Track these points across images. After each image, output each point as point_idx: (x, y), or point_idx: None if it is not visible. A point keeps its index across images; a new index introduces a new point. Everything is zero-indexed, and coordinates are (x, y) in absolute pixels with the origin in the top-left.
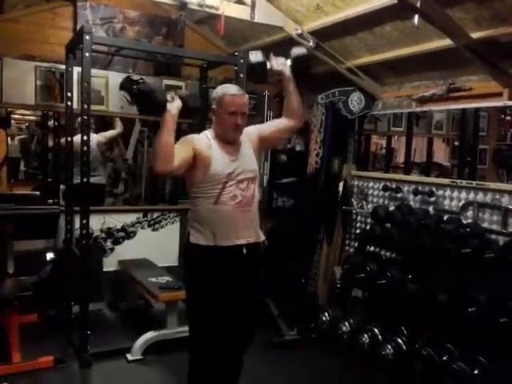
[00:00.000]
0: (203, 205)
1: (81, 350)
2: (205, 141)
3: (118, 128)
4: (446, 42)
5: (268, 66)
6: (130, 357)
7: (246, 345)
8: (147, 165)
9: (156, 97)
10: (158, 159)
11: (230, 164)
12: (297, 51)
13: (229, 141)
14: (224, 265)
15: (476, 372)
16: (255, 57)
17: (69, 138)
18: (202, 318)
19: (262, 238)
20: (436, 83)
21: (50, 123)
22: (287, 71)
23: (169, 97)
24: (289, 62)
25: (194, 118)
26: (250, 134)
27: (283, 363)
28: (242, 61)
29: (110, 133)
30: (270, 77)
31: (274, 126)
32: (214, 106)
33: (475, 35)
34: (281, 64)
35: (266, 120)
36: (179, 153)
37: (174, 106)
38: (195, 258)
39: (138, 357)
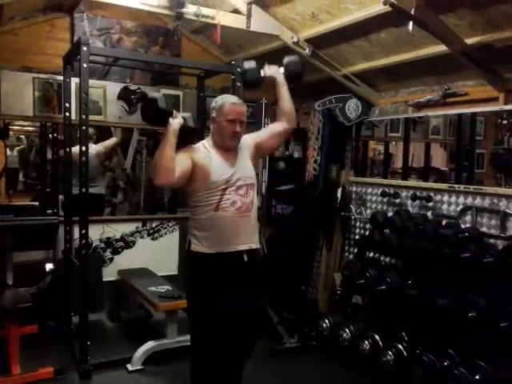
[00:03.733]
0: (204, 213)
1: (81, 361)
2: (203, 151)
3: (118, 136)
4: (441, 47)
5: (262, 73)
6: (130, 367)
7: (247, 353)
8: (146, 175)
9: (162, 106)
10: (159, 172)
11: (229, 170)
12: (289, 57)
13: (227, 148)
14: (225, 272)
15: (477, 377)
16: (249, 64)
17: (67, 149)
18: (203, 326)
19: (259, 245)
20: (432, 88)
21: (49, 134)
22: (280, 77)
23: (174, 114)
24: (282, 69)
25: (192, 139)
26: (247, 142)
27: (284, 371)
28: (238, 69)
29: (109, 141)
30: (264, 83)
31: (268, 132)
32: (213, 115)
33: (470, 41)
34: (274, 71)
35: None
36: (178, 165)
37: (176, 122)
38: (197, 266)
39: (139, 367)
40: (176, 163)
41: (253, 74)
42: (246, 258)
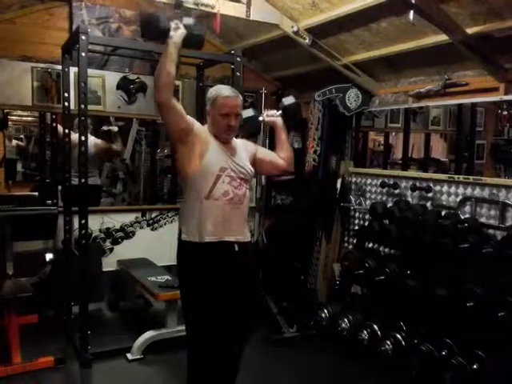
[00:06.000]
0: (195, 199)
1: (81, 350)
2: (205, 131)
3: (118, 146)
4: (442, 37)
5: (260, 118)
6: (130, 356)
7: (242, 343)
8: (145, 165)
9: (160, 21)
10: (159, 87)
11: (226, 159)
12: (286, 101)
13: (223, 140)
14: (216, 261)
15: (475, 367)
16: (248, 113)
17: (66, 139)
18: (197, 316)
19: (249, 238)
20: (432, 79)
21: (48, 124)
22: (279, 122)
23: (173, 24)
24: (279, 112)
25: (198, 48)
26: (250, 146)
27: (283, 360)
28: (238, 59)
29: (112, 146)
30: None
31: (271, 157)
32: (208, 107)
33: (471, 30)
34: (272, 116)
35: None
36: (181, 110)
37: (178, 33)
38: (187, 256)
39: (139, 356)
40: (179, 106)
41: (252, 122)
42: (236, 248)
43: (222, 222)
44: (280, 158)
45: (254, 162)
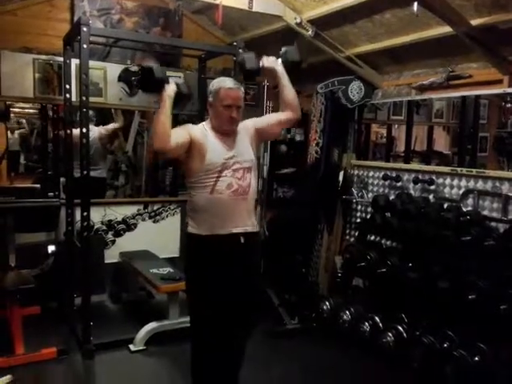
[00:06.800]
0: (200, 194)
1: (83, 341)
2: (201, 130)
3: (120, 121)
4: (446, 29)
5: (260, 64)
6: (132, 347)
7: (246, 335)
8: (147, 158)
9: (157, 74)
10: (156, 137)
11: (226, 153)
12: (286, 47)
13: (225, 132)
14: (222, 254)
15: (476, 359)
16: (247, 55)
17: (68, 131)
18: (202, 308)
19: (257, 228)
20: (436, 71)
21: (50, 116)
22: (279, 68)
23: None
24: (280, 60)
25: (187, 105)
26: (247, 126)
27: (284, 352)
28: (240, 50)
29: (112, 126)
30: (263, 75)
31: (272, 118)
32: (210, 99)
33: (475, 22)
34: (272, 62)
35: (266, 111)
36: (176, 135)
37: (171, 87)
38: (194, 248)
39: (141, 347)
40: (174, 133)
41: (251, 64)
42: (242, 240)
43: (227, 215)
44: (284, 104)
45: (257, 134)
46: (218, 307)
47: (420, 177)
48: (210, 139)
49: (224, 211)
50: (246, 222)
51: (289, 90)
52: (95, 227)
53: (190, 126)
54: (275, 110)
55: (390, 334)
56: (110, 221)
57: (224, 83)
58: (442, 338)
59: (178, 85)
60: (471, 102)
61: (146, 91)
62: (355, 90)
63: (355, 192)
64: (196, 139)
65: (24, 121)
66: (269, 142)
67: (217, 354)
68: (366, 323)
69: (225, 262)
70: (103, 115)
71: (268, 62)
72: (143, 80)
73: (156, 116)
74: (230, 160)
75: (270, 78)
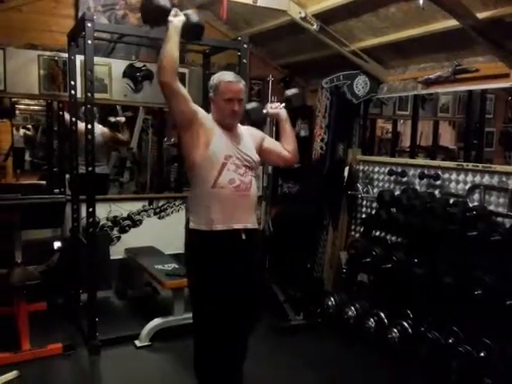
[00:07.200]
0: (201, 188)
1: (89, 337)
2: (209, 118)
3: (125, 136)
4: (452, 22)
5: (264, 111)
6: (138, 343)
7: (248, 329)
8: (152, 154)
9: (157, 1)
10: (162, 68)
11: (231, 146)
12: (289, 91)
13: (227, 126)
14: (223, 249)
15: (482, 354)
16: (252, 105)
17: (73, 128)
18: (204, 304)
19: (257, 226)
20: (442, 65)
21: (55, 112)
22: (282, 113)
23: (172, 12)
24: (283, 104)
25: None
26: (256, 133)
27: (289, 347)
28: (245, 45)
29: (118, 135)
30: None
31: (278, 148)
32: (211, 94)
33: (481, 15)
34: (276, 108)
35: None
36: (186, 93)
37: (177, 19)
38: (195, 244)
39: (146, 343)
40: (183, 89)
41: (256, 113)
42: (243, 236)
43: (228, 210)
44: (285, 149)
45: (261, 151)
46: (219, 302)
47: (426, 172)
48: (215, 130)
49: (226, 206)
50: (248, 218)
51: (290, 138)
52: (101, 223)
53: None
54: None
55: (395, 330)
56: (115, 217)
57: (224, 77)
58: (447, 334)
59: (187, 15)
60: (477, 97)
61: (148, 23)
62: (360, 84)
63: (360, 187)
64: (204, 121)
65: (29, 117)
66: (273, 138)
67: (219, 348)
68: (371, 319)
69: (226, 258)
70: (108, 111)
71: (272, 108)
72: (143, 9)
73: (163, 47)
74: (233, 155)
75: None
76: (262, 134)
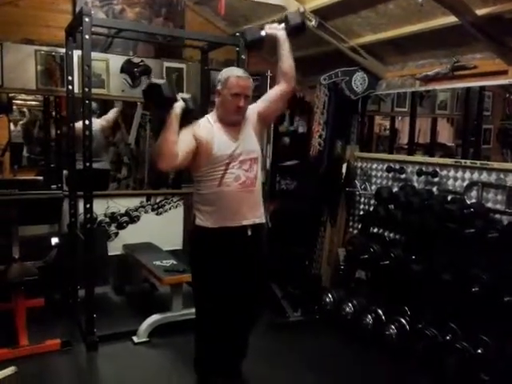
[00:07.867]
0: (207, 188)
1: (87, 333)
2: (206, 127)
3: (119, 105)
4: (451, 19)
5: (263, 33)
6: (136, 339)
7: (249, 327)
8: (150, 150)
9: (166, 92)
10: (162, 157)
11: (232, 145)
12: (289, 12)
13: (231, 123)
14: (229, 246)
15: (479, 351)
16: (247, 27)
17: (70, 123)
18: (207, 299)
19: (264, 219)
20: (440, 61)
21: (52, 108)
22: (281, 33)
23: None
24: (282, 25)
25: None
26: (249, 114)
27: (287, 344)
28: (242, 41)
29: (111, 114)
30: (266, 43)
31: (268, 98)
32: (218, 87)
33: (480, 12)
34: (274, 28)
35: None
36: (183, 145)
37: (178, 105)
38: (201, 240)
39: (144, 339)
40: (179, 145)
41: (253, 33)
42: (249, 233)
43: (235, 207)
44: (280, 73)
45: (259, 118)
46: (223, 299)
47: (424, 169)
48: (216, 134)
49: (232, 204)
50: (255, 213)
51: (287, 58)
52: (98, 219)
53: (195, 127)
54: None
55: (392, 327)
56: (113, 213)
57: (233, 72)
58: (444, 331)
59: (185, 100)
60: (475, 94)
61: (154, 107)
62: (359, 81)
63: (358, 184)
64: (203, 140)
65: (27, 113)
66: (271, 135)
67: (219, 345)
68: (369, 316)
69: (231, 255)
70: (106, 107)
71: (270, 28)
72: (152, 97)
73: (162, 134)
74: (236, 152)
75: (272, 45)
76: (253, 107)
